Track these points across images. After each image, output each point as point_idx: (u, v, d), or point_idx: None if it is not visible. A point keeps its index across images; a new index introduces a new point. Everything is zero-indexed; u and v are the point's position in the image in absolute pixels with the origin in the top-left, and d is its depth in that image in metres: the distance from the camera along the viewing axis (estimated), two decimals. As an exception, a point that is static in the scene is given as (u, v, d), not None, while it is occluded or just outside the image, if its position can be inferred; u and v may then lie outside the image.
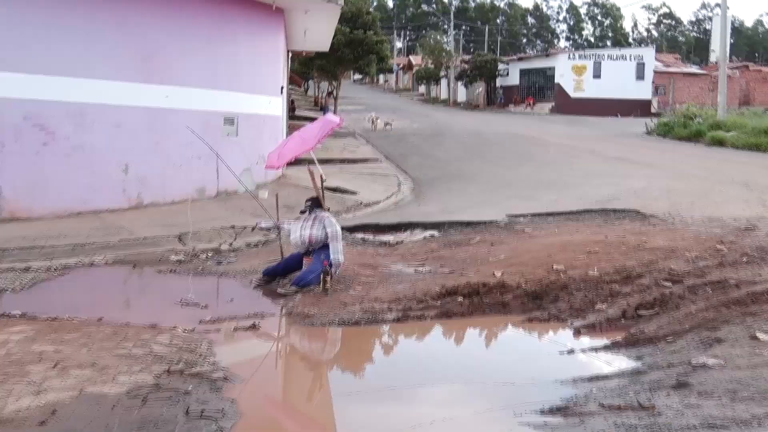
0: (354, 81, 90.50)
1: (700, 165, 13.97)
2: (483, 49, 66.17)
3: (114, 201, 8.88)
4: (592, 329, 4.60)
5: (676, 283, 5.06)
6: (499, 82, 41.13)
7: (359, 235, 8.12)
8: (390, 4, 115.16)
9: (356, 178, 13.44)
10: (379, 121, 24.72)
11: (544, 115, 34.16)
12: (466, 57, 48.56)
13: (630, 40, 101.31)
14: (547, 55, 39.07)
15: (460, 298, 5.17)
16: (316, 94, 39.37)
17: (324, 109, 28.77)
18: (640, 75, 35.86)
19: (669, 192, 10.44)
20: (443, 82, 50.57)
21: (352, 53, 24.15)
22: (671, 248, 5.99)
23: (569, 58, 36.56)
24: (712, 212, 8.45)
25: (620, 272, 5.38)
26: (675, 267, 5.41)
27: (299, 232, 5.82)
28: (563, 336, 4.59)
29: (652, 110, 34.55)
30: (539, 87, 37.68)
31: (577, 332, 4.60)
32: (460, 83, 45.05)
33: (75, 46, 8.50)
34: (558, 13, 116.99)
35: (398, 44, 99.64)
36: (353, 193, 11.43)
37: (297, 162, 10.84)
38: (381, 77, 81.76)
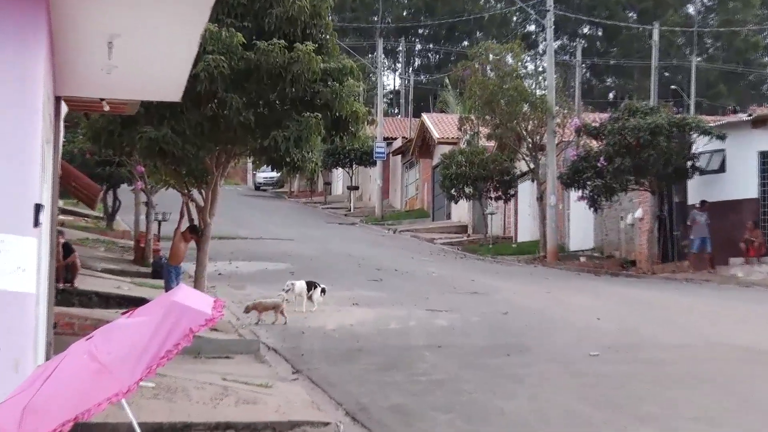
0: (259, 186, 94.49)
1: None
2: (646, 95, 68.88)
3: None
4: None
5: None
6: (693, 189, 42.91)
7: None
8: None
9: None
10: (295, 289, 28.64)
11: None
12: (595, 117, 51.19)
13: None
14: None
15: None
16: (140, 230, 41.96)
17: (165, 272, 29.51)
18: None
19: None
20: (524, 189, 54.28)
21: (254, 105, 24.67)
22: None
23: None
24: None
25: None
26: None
27: None
28: None
29: None
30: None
31: None
32: (573, 194, 47.34)
33: None
34: None
35: (390, 82, 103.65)
36: None
37: None
38: (336, 178, 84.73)
